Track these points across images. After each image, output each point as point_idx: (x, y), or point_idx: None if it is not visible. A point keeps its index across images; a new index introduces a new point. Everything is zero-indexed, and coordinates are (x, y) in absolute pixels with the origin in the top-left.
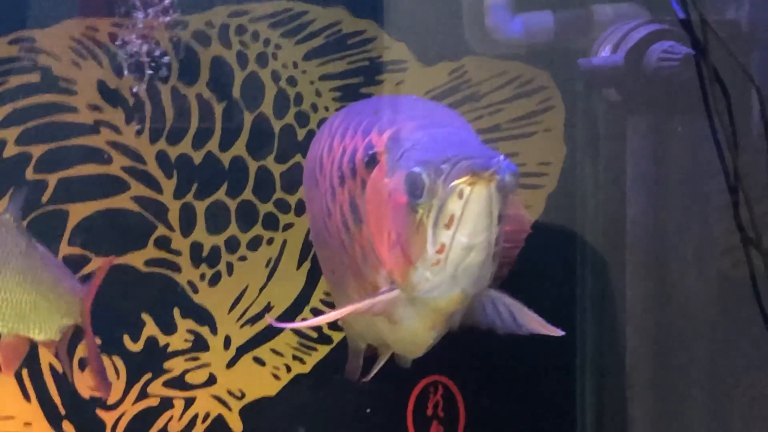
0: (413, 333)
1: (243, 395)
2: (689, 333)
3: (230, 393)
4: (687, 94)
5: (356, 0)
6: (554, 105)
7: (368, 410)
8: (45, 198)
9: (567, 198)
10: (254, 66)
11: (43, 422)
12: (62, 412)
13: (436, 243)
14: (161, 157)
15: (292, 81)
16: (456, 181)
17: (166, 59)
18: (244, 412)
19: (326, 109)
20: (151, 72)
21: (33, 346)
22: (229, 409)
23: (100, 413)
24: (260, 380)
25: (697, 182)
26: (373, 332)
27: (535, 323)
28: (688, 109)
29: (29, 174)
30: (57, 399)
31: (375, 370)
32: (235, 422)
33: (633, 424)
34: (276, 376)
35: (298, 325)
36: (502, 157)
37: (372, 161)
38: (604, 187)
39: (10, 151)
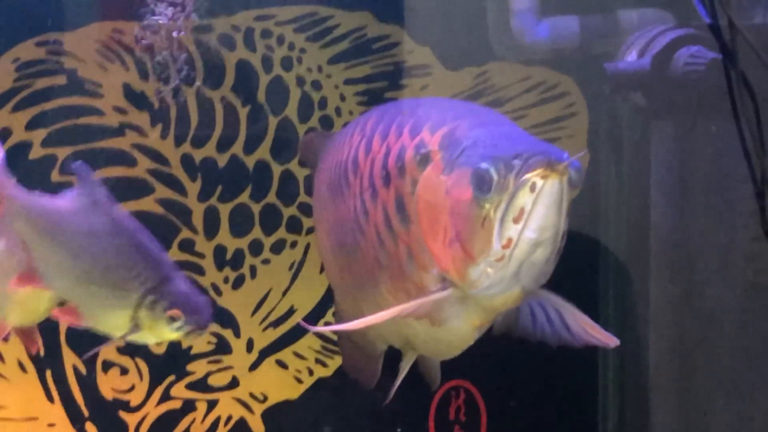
0: (456, 333)
1: (265, 398)
2: (713, 339)
3: (253, 396)
4: (713, 99)
5: (381, 4)
6: (578, 111)
7: (398, 430)
8: None
9: (591, 203)
10: (279, 70)
11: (66, 423)
12: (86, 413)
13: (503, 238)
14: (186, 160)
15: (316, 85)
16: (529, 174)
17: (191, 63)
18: (266, 415)
19: (350, 113)
20: (176, 75)
21: (56, 347)
22: (252, 412)
23: (123, 415)
24: (283, 383)
25: (722, 188)
26: (404, 334)
27: (589, 329)
28: (715, 114)
29: (55, 176)
30: (80, 400)
31: (400, 378)
32: (257, 425)
33: (655, 430)
34: (298, 380)
35: (341, 327)
36: (576, 153)
37: (425, 159)
38: (628, 192)
39: (36, 153)
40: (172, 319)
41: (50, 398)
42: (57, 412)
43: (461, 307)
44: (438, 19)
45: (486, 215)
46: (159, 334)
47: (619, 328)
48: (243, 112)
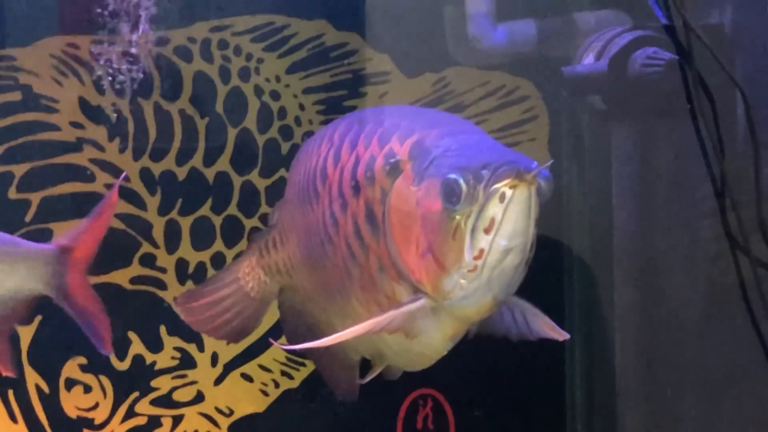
0: (429, 345)
1: (231, 412)
2: (678, 339)
3: (218, 410)
4: (672, 100)
5: (339, 13)
6: (538, 114)
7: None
8: (28, 217)
9: (553, 207)
10: (237, 80)
11: None
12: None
13: (475, 249)
14: (145, 174)
15: (275, 95)
16: (498, 184)
17: (147, 75)
18: (232, 429)
19: (310, 122)
20: (133, 89)
21: (18, 366)
22: (218, 426)
23: None
24: (249, 397)
25: (683, 188)
26: (375, 346)
27: (545, 327)
28: (673, 115)
29: (12, 193)
30: (44, 420)
31: (367, 379)
32: None
33: (623, 431)
34: (264, 393)
35: (312, 344)
36: (542, 163)
37: (394, 170)
38: (590, 195)
39: None
40: None
41: (13, 418)
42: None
43: (435, 319)
44: (396, 26)
45: (457, 226)
46: None
47: (584, 332)
48: (201, 124)
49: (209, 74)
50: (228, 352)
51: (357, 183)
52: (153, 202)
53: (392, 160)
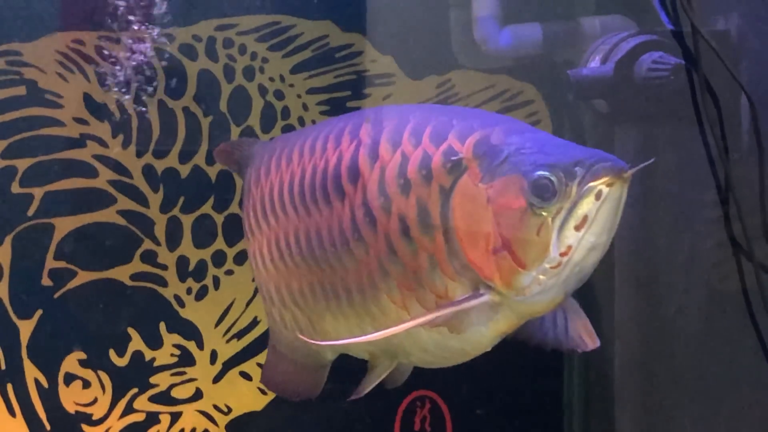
0: (474, 341)
1: (229, 410)
2: (678, 345)
3: (216, 408)
4: (677, 105)
5: (344, 14)
6: (541, 119)
7: None
8: (31, 212)
9: None
10: (241, 79)
11: None
12: (47, 427)
13: (562, 245)
14: (148, 171)
15: (279, 94)
16: (595, 182)
17: (152, 73)
18: (230, 427)
19: (313, 122)
20: (137, 86)
21: (17, 361)
22: (216, 424)
23: (86, 428)
24: (247, 395)
25: (686, 194)
26: (398, 343)
27: (581, 329)
28: (679, 120)
29: (15, 188)
30: (42, 414)
31: (374, 384)
32: None
33: None
34: (263, 391)
35: (359, 339)
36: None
37: (457, 167)
38: None
39: None
40: None
41: (12, 413)
42: (19, 426)
43: (491, 315)
44: (401, 28)
45: (543, 223)
46: None
47: None
48: (205, 122)
49: (214, 73)
50: (227, 350)
51: (407, 181)
52: (155, 199)
53: (454, 158)
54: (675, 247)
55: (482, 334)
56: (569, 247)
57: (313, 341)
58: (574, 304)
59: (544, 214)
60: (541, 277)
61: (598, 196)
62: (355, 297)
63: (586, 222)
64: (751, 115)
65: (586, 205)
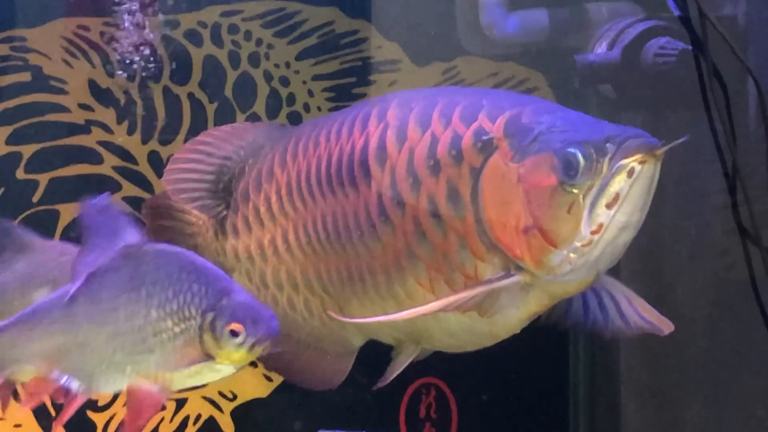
0: (503, 323)
1: (235, 397)
2: (684, 335)
3: (222, 395)
4: (684, 91)
5: (349, 0)
6: None
7: None
8: (36, 198)
9: None
10: (246, 66)
11: (33, 424)
12: (53, 413)
13: (593, 223)
14: (153, 157)
15: (284, 81)
16: (627, 160)
17: (157, 59)
18: (235, 414)
19: (319, 109)
20: (142, 72)
21: None
22: (221, 410)
23: (91, 414)
24: (252, 382)
25: (693, 181)
26: (425, 327)
27: (645, 313)
28: (685, 106)
29: (20, 174)
30: (47, 401)
31: (399, 370)
32: (226, 424)
33: (627, 427)
34: (268, 378)
35: (388, 317)
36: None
37: (487, 147)
38: None
39: (1, 150)
40: (234, 334)
41: (17, 398)
42: (24, 412)
43: (521, 295)
44: (406, 14)
45: (574, 201)
46: (229, 356)
47: None
48: (210, 109)
49: (219, 59)
50: None
51: (437, 162)
52: (160, 185)
53: (485, 138)
54: (682, 235)
55: (513, 316)
56: (600, 225)
57: (345, 318)
58: (617, 285)
59: (575, 191)
60: (572, 255)
61: (630, 173)
62: (380, 280)
63: (618, 200)
64: (758, 101)
65: (618, 183)
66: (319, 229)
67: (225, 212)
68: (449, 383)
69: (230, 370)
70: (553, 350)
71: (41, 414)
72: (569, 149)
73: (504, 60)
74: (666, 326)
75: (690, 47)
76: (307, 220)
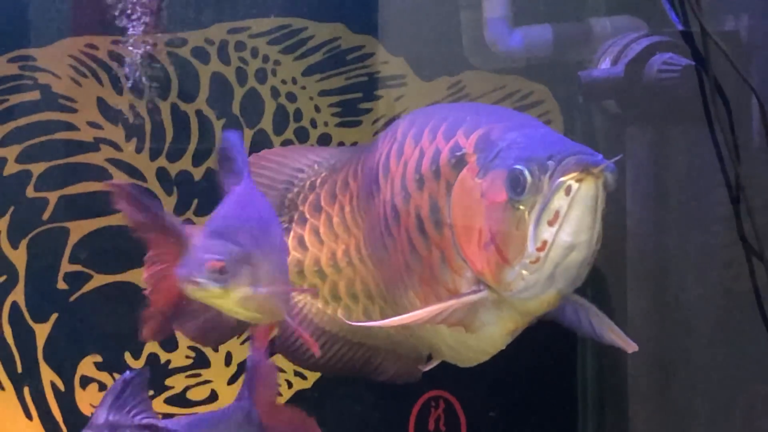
0: (488, 339)
1: None
2: (690, 345)
3: None
4: (687, 105)
5: (355, 16)
6: (553, 119)
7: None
8: (46, 216)
9: None
10: (253, 82)
11: None
12: (64, 430)
13: (538, 240)
14: (161, 174)
15: (291, 97)
16: (564, 177)
17: (165, 76)
18: None
19: (326, 124)
20: (150, 89)
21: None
22: None
23: None
24: None
25: (697, 194)
26: (431, 341)
27: (612, 335)
28: (689, 120)
29: (30, 192)
30: (59, 417)
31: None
32: None
33: None
34: (277, 393)
35: (375, 324)
36: (612, 158)
37: (460, 162)
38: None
39: (11, 169)
40: None
41: (29, 416)
42: (35, 429)
43: (496, 312)
44: (412, 29)
45: (520, 217)
46: None
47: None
48: (218, 125)
49: (226, 75)
50: (242, 351)
51: (421, 176)
52: (169, 201)
53: (458, 153)
54: (687, 246)
55: (494, 332)
56: (545, 242)
57: (348, 321)
58: (591, 308)
59: (521, 207)
60: (524, 272)
61: (567, 191)
62: (394, 291)
63: (558, 217)
64: (761, 115)
65: (558, 200)
66: (363, 245)
67: (288, 225)
68: (458, 396)
69: None
70: (560, 362)
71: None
72: (515, 166)
73: (509, 74)
74: (630, 346)
75: (693, 63)
76: (367, 233)
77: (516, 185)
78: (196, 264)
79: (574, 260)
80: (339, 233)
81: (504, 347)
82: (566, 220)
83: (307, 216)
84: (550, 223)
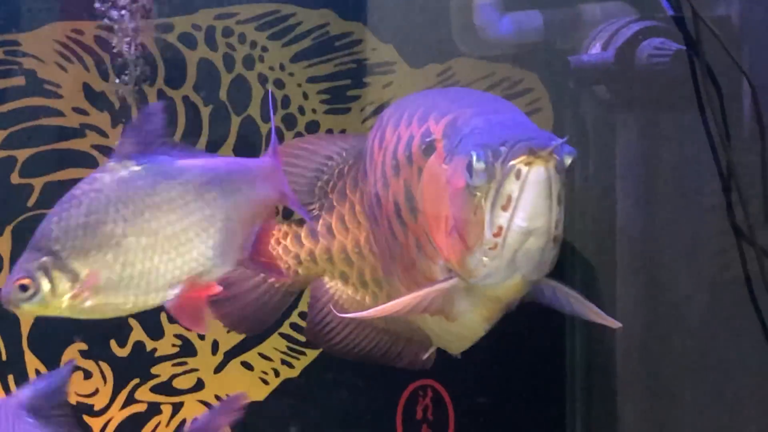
0: (468, 326)
1: None
2: (680, 335)
3: (218, 398)
4: (678, 91)
5: (343, 2)
6: (543, 106)
7: None
8: (31, 202)
9: None
10: (241, 68)
11: None
12: None
13: (494, 226)
14: None
15: (279, 83)
16: (513, 161)
17: (151, 62)
18: None
19: (314, 111)
20: (137, 75)
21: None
22: None
23: (87, 419)
24: (249, 385)
25: (688, 182)
26: (421, 327)
27: (592, 314)
28: (680, 106)
29: (15, 178)
30: None
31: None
32: None
33: (623, 426)
34: (264, 381)
35: (356, 315)
36: (561, 140)
37: (429, 148)
38: (594, 186)
39: None
40: None
41: None
42: None
43: (471, 299)
44: (401, 16)
45: (477, 204)
46: None
47: (584, 324)
48: (205, 112)
49: (213, 62)
50: (228, 340)
51: (397, 162)
52: None
53: (428, 139)
54: (677, 235)
55: (472, 319)
56: (500, 228)
57: (341, 314)
58: (566, 289)
59: (478, 194)
60: (484, 259)
61: (518, 175)
62: (382, 278)
63: (510, 202)
64: (752, 101)
65: (509, 185)
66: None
67: (318, 213)
68: (445, 385)
69: None
70: (549, 351)
71: None
72: (472, 152)
73: (499, 61)
74: (611, 323)
75: (684, 47)
76: (355, 224)
77: (471, 171)
78: (9, 285)
79: (533, 245)
80: (361, 220)
81: (484, 333)
82: (519, 205)
83: (335, 204)
84: (504, 208)
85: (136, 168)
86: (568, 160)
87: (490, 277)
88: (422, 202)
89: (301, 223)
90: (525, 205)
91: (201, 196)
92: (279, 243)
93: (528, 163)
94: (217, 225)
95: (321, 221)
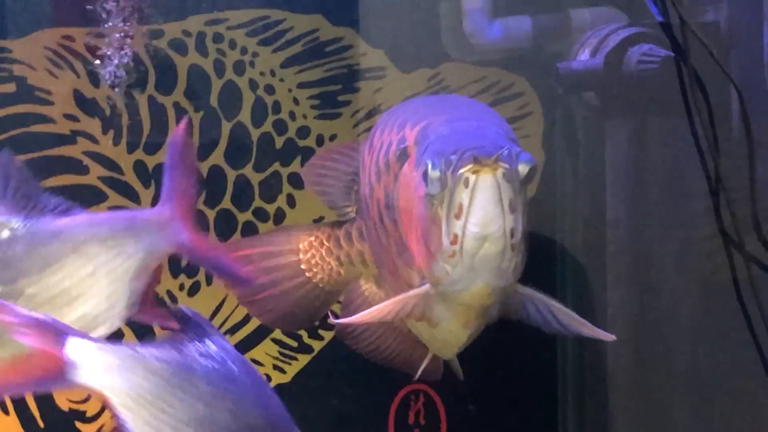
0: (450, 333)
1: None
2: (670, 338)
3: None
4: (667, 97)
5: (334, 7)
6: (532, 111)
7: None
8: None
9: (547, 204)
10: (231, 74)
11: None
12: (41, 425)
13: (450, 234)
14: (139, 167)
15: (270, 89)
16: (462, 170)
17: (142, 68)
18: None
19: (304, 117)
20: (127, 81)
21: None
22: None
23: (80, 425)
24: None
25: (677, 186)
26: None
27: (585, 329)
28: (668, 112)
29: None
30: (36, 412)
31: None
32: None
33: (615, 429)
34: None
35: (347, 320)
36: (516, 149)
37: (403, 155)
38: (584, 191)
39: None
40: None
41: (5, 411)
42: (12, 424)
43: (446, 306)
44: (391, 21)
45: (435, 212)
46: None
47: None
48: (196, 118)
49: (204, 68)
50: None
51: (379, 168)
52: (147, 195)
53: (402, 146)
54: (667, 239)
55: (452, 326)
56: (455, 236)
57: (335, 321)
58: (545, 299)
59: (435, 202)
60: (446, 266)
61: (466, 183)
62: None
63: (462, 210)
64: (740, 107)
65: (459, 193)
66: None
67: (354, 215)
68: (438, 390)
69: None
70: (541, 355)
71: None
72: (428, 161)
73: (489, 66)
74: (604, 336)
75: (672, 54)
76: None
77: (427, 180)
78: None
79: (490, 251)
80: (363, 234)
81: (468, 339)
82: (470, 212)
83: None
84: (457, 216)
85: (16, 227)
86: (524, 169)
87: (456, 284)
88: (397, 210)
89: (340, 225)
90: (475, 211)
91: (81, 255)
92: (322, 245)
93: (474, 172)
94: (100, 283)
95: (356, 225)
